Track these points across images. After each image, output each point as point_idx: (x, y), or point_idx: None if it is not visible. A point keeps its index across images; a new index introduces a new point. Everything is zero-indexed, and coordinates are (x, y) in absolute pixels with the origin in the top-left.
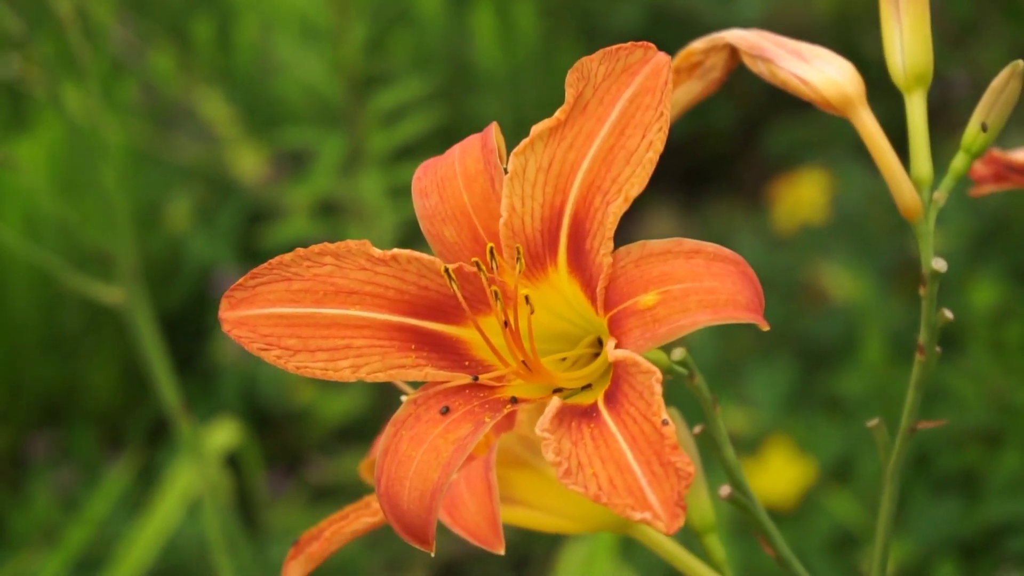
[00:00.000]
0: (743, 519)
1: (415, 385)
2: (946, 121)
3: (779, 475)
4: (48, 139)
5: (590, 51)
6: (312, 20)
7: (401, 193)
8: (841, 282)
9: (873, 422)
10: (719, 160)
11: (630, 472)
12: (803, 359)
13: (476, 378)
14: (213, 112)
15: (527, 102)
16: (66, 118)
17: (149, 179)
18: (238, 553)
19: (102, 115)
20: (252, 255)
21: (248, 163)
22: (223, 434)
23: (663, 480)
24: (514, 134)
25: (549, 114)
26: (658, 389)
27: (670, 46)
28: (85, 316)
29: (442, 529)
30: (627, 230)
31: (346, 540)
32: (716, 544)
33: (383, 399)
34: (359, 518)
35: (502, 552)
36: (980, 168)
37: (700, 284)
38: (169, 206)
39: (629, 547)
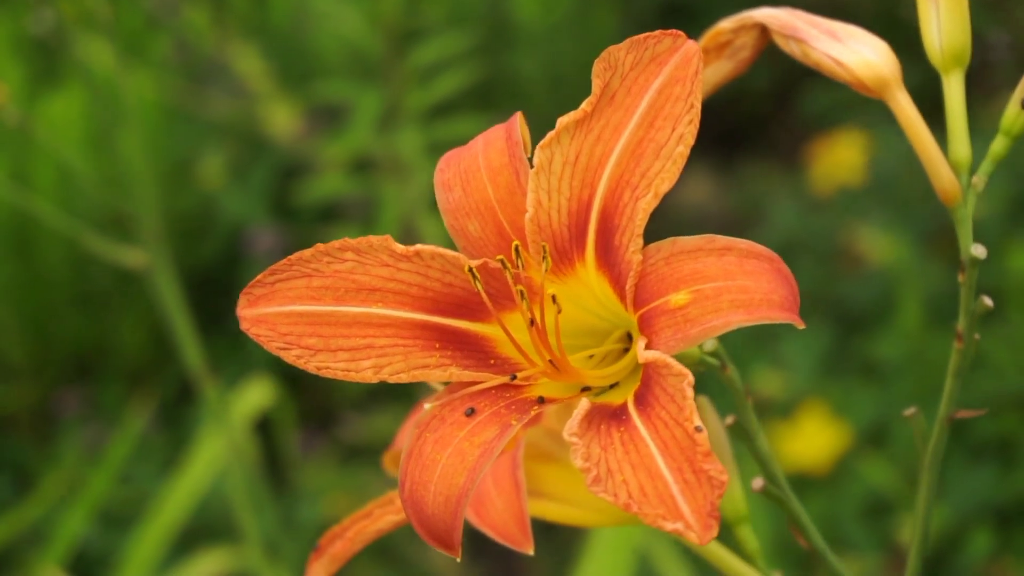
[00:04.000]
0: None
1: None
2: (987, 83)
3: (813, 440)
4: (82, 97)
5: (625, 9)
6: None
7: (439, 150)
8: (878, 246)
9: (909, 411)
10: (755, 122)
11: (661, 480)
12: (839, 323)
13: (514, 377)
14: (247, 67)
15: (564, 60)
16: (95, 76)
17: (182, 136)
18: (264, 513)
19: (129, 72)
20: (285, 212)
21: (282, 119)
22: (256, 393)
23: (696, 489)
24: (552, 92)
25: (586, 73)
26: (690, 393)
27: (700, 16)
28: (115, 273)
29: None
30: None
31: (371, 539)
32: (749, 535)
33: None
34: (384, 516)
35: (531, 552)
36: None
37: (733, 283)
38: (201, 163)
39: None
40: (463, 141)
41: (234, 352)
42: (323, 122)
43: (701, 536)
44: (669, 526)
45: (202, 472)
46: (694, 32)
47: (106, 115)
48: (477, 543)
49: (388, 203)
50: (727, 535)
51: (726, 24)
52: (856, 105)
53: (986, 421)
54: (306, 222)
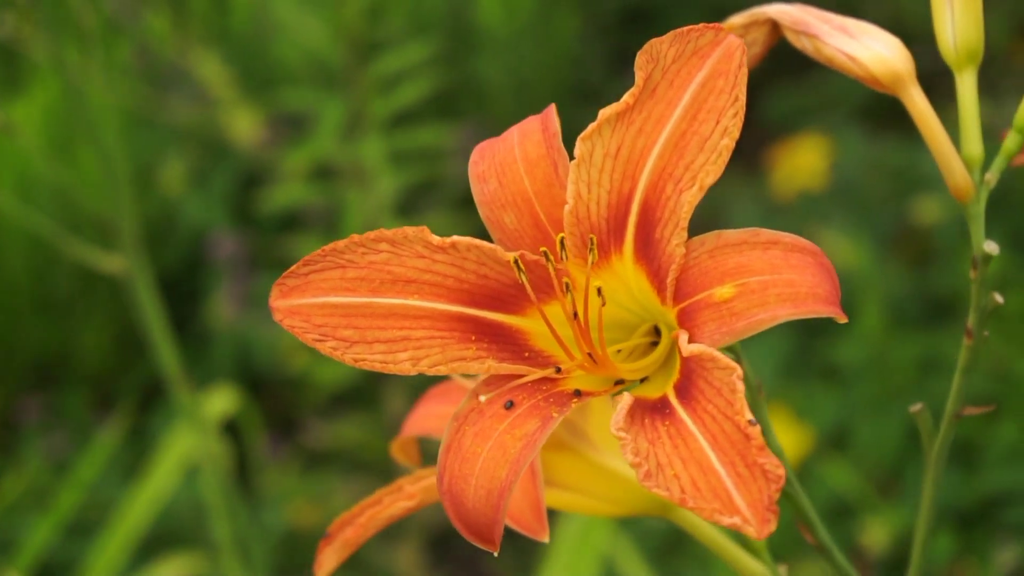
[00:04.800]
0: None
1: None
2: (990, 73)
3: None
4: (43, 101)
5: (587, 14)
6: None
7: (401, 158)
8: (839, 249)
9: (916, 407)
10: None
11: (714, 474)
12: (801, 326)
13: (559, 370)
14: (209, 74)
15: (527, 65)
16: (62, 80)
17: (143, 141)
18: (236, 518)
19: (98, 77)
20: (247, 219)
21: (244, 126)
22: (221, 400)
23: (750, 483)
24: (515, 97)
25: (548, 77)
26: (740, 387)
27: (660, 20)
28: (78, 279)
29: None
30: None
31: (383, 526)
32: None
33: None
34: (395, 502)
35: (547, 540)
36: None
37: (779, 276)
38: (163, 169)
39: (626, 519)
40: (426, 149)
41: (196, 359)
42: (286, 129)
43: (759, 530)
44: (726, 520)
45: (167, 478)
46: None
47: (79, 116)
48: (441, 547)
49: (351, 211)
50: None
51: (737, 20)
52: (818, 109)
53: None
54: (268, 229)
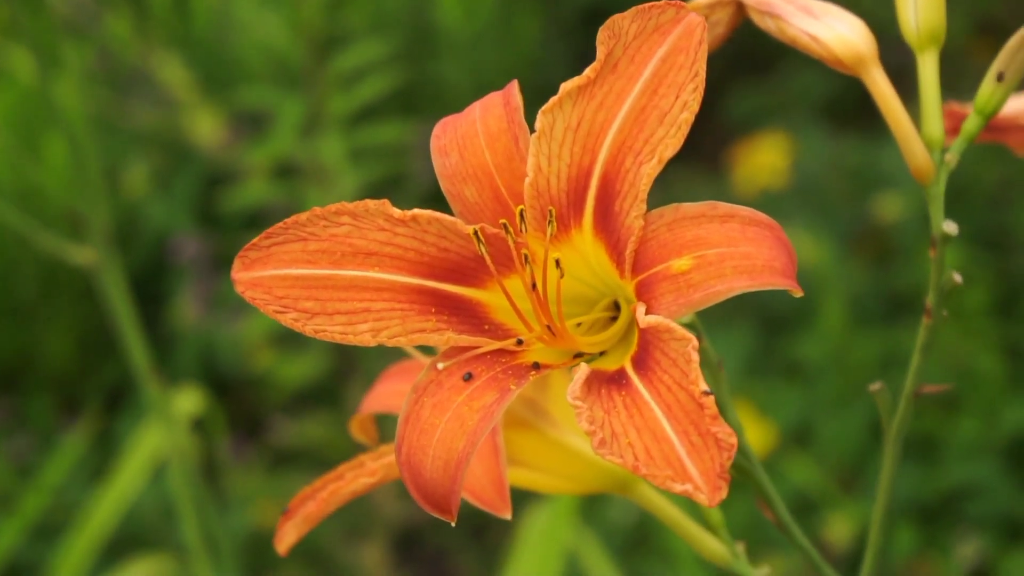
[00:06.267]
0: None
1: (425, 350)
2: (948, 73)
3: None
4: (6, 101)
5: (548, 15)
6: None
7: (361, 155)
8: (801, 248)
9: (875, 386)
10: None
11: (667, 442)
12: (763, 324)
13: (520, 342)
14: (170, 76)
15: (488, 66)
16: (18, 82)
17: (105, 145)
18: (205, 518)
19: (54, 80)
20: (211, 220)
21: (206, 128)
22: (187, 401)
23: (703, 451)
24: (475, 97)
25: (509, 78)
26: (695, 357)
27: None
28: (42, 282)
29: (401, 494)
30: None
31: (344, 500)
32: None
33: (342, 362)
34: (357, 478)
35: (508, 516)
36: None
37: (736, 249)
38: (126, 172)
39: (591, 512)
40: (386, 147)
41: (161, 361)
42: (247, 129)
43: (710, 497)
44: (678, 487)
45: (133, 480)
46: None
47: (41, 118)
48: (407, 546)
49: (312, 208)
50: (694, 509)
51: (702, 0)
52: (779, 108)
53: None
54: (231, 230)
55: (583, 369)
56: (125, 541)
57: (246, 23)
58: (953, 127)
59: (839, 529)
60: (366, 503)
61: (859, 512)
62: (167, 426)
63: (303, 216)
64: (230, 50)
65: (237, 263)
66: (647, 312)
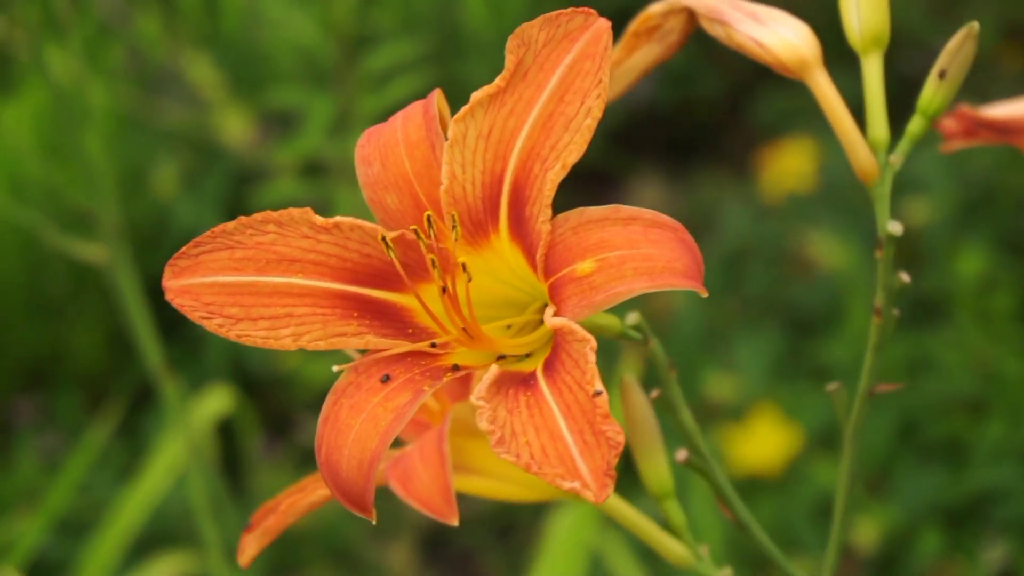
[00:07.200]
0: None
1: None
2: (979, 78)
3: (765, 443)
4: (34, 103)
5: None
6: None
7: None
8: (828, 251)
9: (832, 386)
10: (705, 129)
11: (562, 441)
12: (790, 327)
13: (434, 344)
14: (200, 76)
15: None
16: (50, 81)
17: (135, 145)
18: (225, 518)
19: (86, 78)
20: None
21: (235, 127)
22: (216, 400)
23: (595, 449)
24: None
25: None
26: (591, 357)
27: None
28: (70, 280)
29: None
30: (612, 200)
31: (303, 513)
32: (675, 509)
33: None
34: (315, 491)
35: (455, 523)
36: (950, 124)
37: (637, 251)
38: (155, 172)
39: None
40: None
41: (190, 361)
42: (276, 128)
43: (597, 495)
44: (567, 485)
45: (160, 478)
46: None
47: (66, 117)
48: (434, 546)
49: (341, 206)
50: (657, 509)
51: (656, 8)
52: (805, 113)
53: (935, 423)
54: None
55: (492, 371)
56: (152, 538)
57: (276, 22)
58: (964, 129)
59: (866, 532)
60: (392, 504)
61: (885, 515)
62: (183, 427)
63: (231, 225)
64: (259, 49)
65: (167, 271)
66: (555, 315)
